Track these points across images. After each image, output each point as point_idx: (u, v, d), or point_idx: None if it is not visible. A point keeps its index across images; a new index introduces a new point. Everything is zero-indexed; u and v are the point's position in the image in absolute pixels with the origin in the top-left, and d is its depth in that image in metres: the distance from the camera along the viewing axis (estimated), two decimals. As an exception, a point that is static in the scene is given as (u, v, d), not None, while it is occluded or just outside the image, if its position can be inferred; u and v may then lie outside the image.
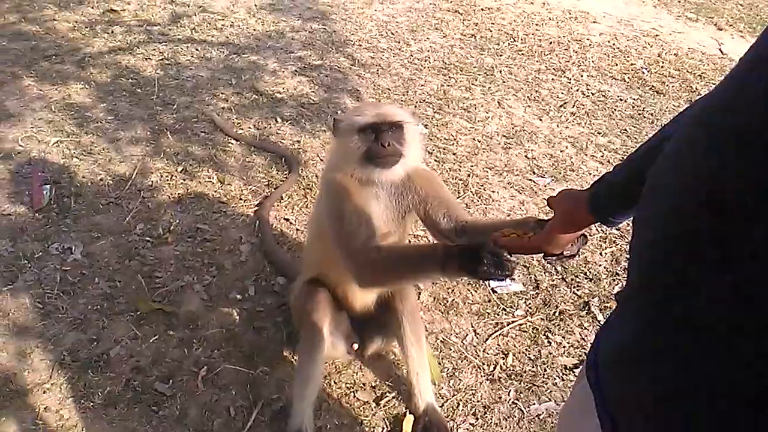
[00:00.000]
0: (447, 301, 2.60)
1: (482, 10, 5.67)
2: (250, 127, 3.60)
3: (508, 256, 1.35)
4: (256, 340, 2.35)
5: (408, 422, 2.09)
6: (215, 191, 3.08)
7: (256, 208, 2.98)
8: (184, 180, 3.12)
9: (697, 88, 4.54)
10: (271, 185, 3.14)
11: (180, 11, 4.99)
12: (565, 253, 1.41)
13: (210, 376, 2.19)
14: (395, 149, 1.72)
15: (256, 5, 5.30)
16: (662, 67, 4.85)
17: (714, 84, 4.64)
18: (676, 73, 4.77)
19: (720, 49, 5.35)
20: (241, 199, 3.04)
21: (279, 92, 3.99)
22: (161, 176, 3.14)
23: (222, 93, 3.90)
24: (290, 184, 3.14)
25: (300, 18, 5.15)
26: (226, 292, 2.53)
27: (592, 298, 2.66)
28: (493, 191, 3.32)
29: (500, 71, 4.55)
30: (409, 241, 2.47)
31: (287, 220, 2.96)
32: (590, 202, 1.26)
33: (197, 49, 4.37)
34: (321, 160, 3.40)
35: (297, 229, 2.91)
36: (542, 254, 1.44)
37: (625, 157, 1.25)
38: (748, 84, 0.68)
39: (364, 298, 2.10)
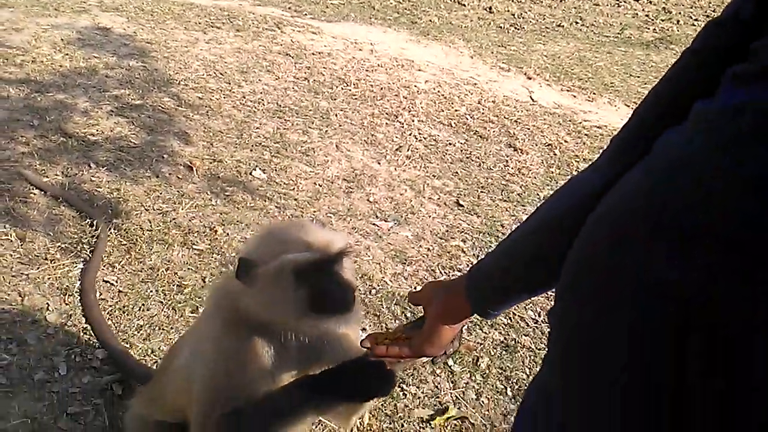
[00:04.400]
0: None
1: (313, 54, 5.67)
2: (56, 175, 3.14)
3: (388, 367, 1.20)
4: (70, 429, 1.95)
5: None
6: (14, 250, 2.59)
7: (79, 290, 2.47)
8: (-28, 239, 2.60)
9: (514, 133, 4.91)
10: (83, 242, 2.73)
11: (-33, 41, 4.31)
12: (448, 351, 1.27)
13: (9, 483, 1.77)
14: (351, 284, 1.33)
15: (62, 40, 4.76)
16: (482, 113, 5.19)
17: (530, 129, 5.08)
18: (495, 118, 5.13)
19: (531, 96, 5.88)
20: (47, 258, 2.59)
21: (92, 134, 3.56)
22: (-60, 235, 2.58)
23: (22, 136, 3.38)
24: (99, 255, 2.65)
25: (115, 54, 4.72)
26: (31, 374, 2.09)
27: (442, 341, 2.64)
28: (336, 237, 3.22)
29: (336, 114, 4.54)
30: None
31: (108, 282, 2.57)
32: (470, 296, 1.11)
33: (-11, 85, 3.77)
34: (146, 209, 3.05)
35: (120, 291, 2.54)
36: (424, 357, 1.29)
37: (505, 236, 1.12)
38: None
39: None
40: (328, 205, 3.46)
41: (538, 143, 4.86)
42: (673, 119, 0.71)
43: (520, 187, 4.17)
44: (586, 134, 5.16)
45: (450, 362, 2.54)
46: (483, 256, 1.13)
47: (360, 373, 1.23)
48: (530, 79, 6.31)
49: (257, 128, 4.09)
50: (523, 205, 3.93)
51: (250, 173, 3.57)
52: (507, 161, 4.47)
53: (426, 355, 1.25)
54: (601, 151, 1.01)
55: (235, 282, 1.31)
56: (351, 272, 1.39)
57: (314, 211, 3.36)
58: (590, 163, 1.02)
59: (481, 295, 1.10)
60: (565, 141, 4.98)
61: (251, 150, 3.82)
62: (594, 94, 6.15)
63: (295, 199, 3.43)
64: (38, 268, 2.53)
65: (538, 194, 4.10)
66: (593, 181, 0.92)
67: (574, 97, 6.12)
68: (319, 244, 1.30)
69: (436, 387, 2.43)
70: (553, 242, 0.92)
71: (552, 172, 4.45)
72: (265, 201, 3.35)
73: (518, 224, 3.96)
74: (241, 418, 1.29)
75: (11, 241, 2.64)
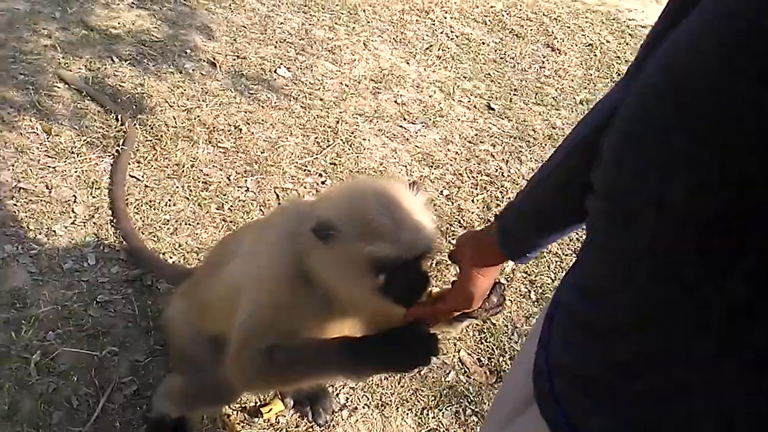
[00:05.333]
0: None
1: (342, -55, 5.35)
2: (80, 68, 3.09)
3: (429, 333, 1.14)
4: (100, 316, 2.02)
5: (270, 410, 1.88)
6: (40, 143, 2.60)
7: (108, 189, 2.45)
8: (1, 131, 2.60)
9: (553, 32, 4.64)
10: (109, 136, 2.72)
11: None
12: (486, 305, 1.20)
13: (45, 362, 1.86)
14: (427, 281, 1.24)
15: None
16: (520, 9, 4.90)
17: (570, 28, 4.79)
18: (533, 15, 4.84)
19: (572, -5, 5.51)
20: (72, 152, 2.60)
21: (114, 27, 3.46)
22: (-32, 127, 2.59)
23: (44, 28, 3.30)
24: (127, 156, 2.61)
25: (137, -57, 4.51)
26: (60, 263, 2.15)
27: (466, 244, 2.61)
28: (365, 139, 3.15)
29: (364, 10, 4.32)
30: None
31: (134, 177, 2.58)
32: (500, 239, 1.05)
33: (9, -25, 3.66)
34: (171, 105, 3.01)
35: (146, 186, 2.55)
36: (463, 314, 1.23)
37: (533, 175, 1.02)
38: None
39: None
40: (354, 106, 3.36)
41: (578, 43, 4.60)
42: None
43: (556, 90, 3.98)
44: (630, 34, 4.85)
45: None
46: (514, 195, 1.07)
47: (398, 342, 1.16)
48: (574, -27, 5.89)
49: (281, 23, 3.93)
50: (557, 110, 3.77)
51: (275, 71, 3.47)
52: (543, 62, 4.25)
53: (462, 309, 1.19)
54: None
55: (308, 232, 1.21)
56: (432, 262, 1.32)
57: (340, 112, 3.27)
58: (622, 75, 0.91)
59: (512, 236, 1.05)
60: (607, 41, 4.70)
61: (275, 46, 3.69)
62: (642, -9, 5.73)
63: (321, 99, 3.34)
64: (65, 161, 2.54)
65: (574, 98, 3.92)
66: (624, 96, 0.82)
67: (621, -6, 5.71)
68: (408, 240, 1.17)
69: (458, 288, 2.43)
70: (586, 166, 0.81)
71: (591, 75, 4.23)
72: (290, 100, 3.27)
73: (552, 129, 3.82)
74: (274, 361, 1.26)
75: (37, 134, 2.64)
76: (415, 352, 1.16)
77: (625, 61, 4.42)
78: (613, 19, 5.08)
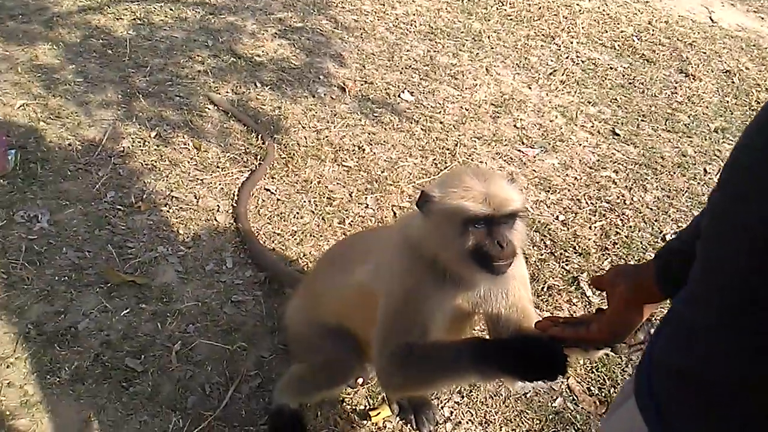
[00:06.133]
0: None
1: (470, -27, 5.48)
2: (227, 92, 3.44)
3: (562, 351, 1.17)
4: (233, 314, 2.24)
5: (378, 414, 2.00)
6: (191, 158, 2.93)
7: (234, 207, 2.68)
8: (158, 146, 2.97)
9: (687, 57, 4.45)
10: (250, 153, 3.00)
11: (154, -32, 4.74)
12: (631, 341, 1.18)
13: (184, 352, 2.10)
14: (513, 248, 1.30)
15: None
16: (652, 34, 4.74)
17: (705, 54, 4.56)
18: (666, 41, 4.66)
19: (710, 17, 5.24)
20: (218, 166, 2.90)
21: (258, 55, 3.82)
22: (133, 141, 2.98)
23: (198, 55, 3.72)
24: (263, 172, 2.87)
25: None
26: (202, 264, 2.41)
27: (581, 273, 2.58)
28: (481, 161, 3.22)
29: (488, 37, 4.40)
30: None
31: (268, 191, 2.83)
32: (660, 277, 1.02)
33: (171, 9, 4.16)
34: (303, 127, 3.26)
35: (278, 200, 2.78)
36: (605, 346, 1.22)
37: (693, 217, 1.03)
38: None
39: None
40: (473, 130, 3.44)
41: (714, 69, 4.37)
42: None
43: (688, 116, 3.82)
44: (774, 60, 4.53)
45: (585, 288, 2.49)
46: (672, 237, 1.06)
47: (529, 353, 1.20)
48: (714, -4, 5.60)
49: (408, 51, 4.11)
50: (689, 137, 3.61)
51: (399, 95, 3.64)
52: (675, 88, 4.09)
53: (606, 341, 1.17)
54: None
55: (417, 214, 1.39)
56: (521, 234, 1.38)
57: (459, 135, 3.36)
58: None
59: (672, 276, 0.99)
60: (747, 68, 4.43)
61: (401, 72, 3.87)
62: (791, 13, 5.33)
63: (441, 122, 3.45)
64: (211, 174, 2.85)
65: (708, 125, 3.74)
66: None
67: (762, 19, 5.36)
68: (496, 200, 1.29)
69: (571, 315, 2.41)
70: None
71: (727, 102, 4.01)
72: (411, 123, 3.41)
73: (683, 157, 3.68)
74: (411, 357, 1.36)
75: (189, 149, 2.98)
76: (544, 364, 1.19)
77: (765, 89, 4.14)
78: (753, 45, 4.77)
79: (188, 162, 2.90)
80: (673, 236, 1.07)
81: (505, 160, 3.25)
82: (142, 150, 2.94)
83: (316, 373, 1.78)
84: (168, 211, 2.62)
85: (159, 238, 2.50)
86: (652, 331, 1.15)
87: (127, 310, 2.21)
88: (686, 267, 0.96)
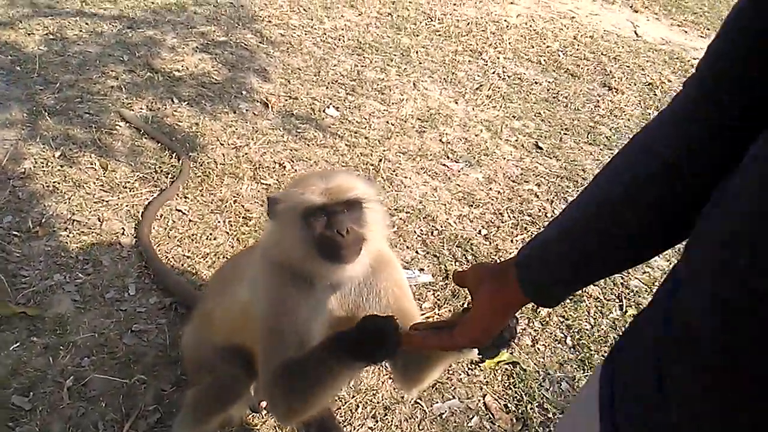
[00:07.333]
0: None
1: (401, -11, 5.49)
2: (141, 108, 3.30)
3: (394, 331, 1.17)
4: (134, 345, 2.10)
5: None
6: (97, 178, 2.78)
7: (135, 229, 2.55)
8: (62, 166, 2.80)
9: (611, 71, 4.55)
10: (162, 172, 2.87)
11: (71, -19, 4.55)
12: (498, 343, 1.14)
13: (77, 387, 1.95)
14: (356, 236, 1.32)
15: (158, -23, 4.91)
16: (577, 49, 4.84)
17: (629, 68, 4.68)
18: (590, 55, 4.77)
19: (635, 32, 5.40)
20: (126, 187, 2.75)
21: (177, 70, 3.69)
22: (36, 162, 2.81)
23: (112, 71, 3.56)
24: (174, 191, 2.75)
25: (206, -8, 4.81)
26: (102, 292, 2.26)
27: (502, 286, 2.55)
28: (406, 177, 3.18)
29: (417, 52, 4.40)
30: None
31: (180, 211, 2.70)
32: (521, 278, 0.95)
33: (87, 23, 3.98)
34: (221, 144, 3.15)
35: (190, 220, 2.66)
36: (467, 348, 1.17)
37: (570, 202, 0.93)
38: None
39: None
40: (398, 144, 3.40)
41: (637, 82, 4.49)
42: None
43: (610, 129, 3.89)
44: (693, 73, 4.69)
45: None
46: (532, 237, 0.97)
47: (360, 335, 1.19)
48: (637, 12, 5.80)
49: (335, 66, 4.06)
50: (610, 149, 3.67)
51: (324, 111, 3.57)
52: (598, 101, 4.17)
53: (471, 347, 1.12)
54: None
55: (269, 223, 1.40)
56: (372, 224, 1.36)
57: (384, 150, 3.32)
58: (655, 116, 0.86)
59: (539, 277, 0.94)
60: (669, 80, 4.56)
61: (327, 87, 3.81)
62: (708, 29, 5.56)
63: (366, 138, 3.40)
64: (118, 195, 2.70)
65: (629, 137, 3.78)
66: (660, 147, 0.80)
67: (685, 32, 5.57)
68: (333, 189, 1.32)
69: (490, 331, 2.37)
70: (627, 219, 0.82)
71: (649, 114, 4.10)
72: (335, 139, 3.35)
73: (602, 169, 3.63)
74: (290, 375, 1.33)
75: (95, 169, 2.82)
76: (375, 344, 1.19)
77: (686, 99, 4.27)
78: (677, 58, 4.93)
79: (93, 183, 2.75)
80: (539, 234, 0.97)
81: (429, 175, 3.22)
82: (44, 171, 2.77)
83: (208, 395, 1.68)
84: (68, 236, 2.46)
85: (56, 265, 2.34)
86: (518, 327, 1.09)
87: (17, 344, 2.04)
88: (553, 275, 0.91)
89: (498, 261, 2.69)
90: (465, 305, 2.41)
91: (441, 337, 1.12)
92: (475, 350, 1.18)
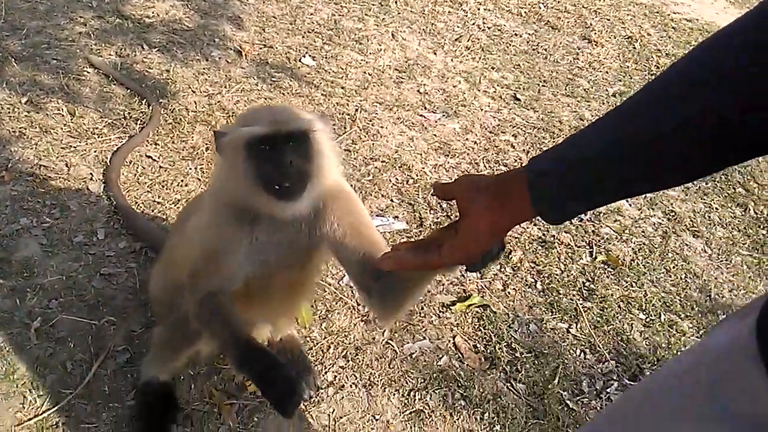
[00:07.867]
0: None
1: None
2: (110, 55, 3.21)
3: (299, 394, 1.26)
4: (103, 288, 2.09)
5: None
6: (64, 124, 2.71)
7: (103, 174, 2.51)
8: (29, 112, 2.73)
9: (591, 24, 4.51)
10: (131, 118, 2.81)
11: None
12: (486, 258, 1.02)
13: (45, 328, 1.94)
14: (301, 169, 1.28)
15: None
16: (558, 2, 4.78)
17: (609, 20, 4.64)
18: (572, 8, 4.71)
19: (617, -13, 5.33)
20: (94, 133, 2.70)
21: (148, 17, 3.58)
22: (2, 108, 2.73)
23: (81, 17, 3.45)
24: (143, 137, 2.69)
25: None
26: (70, 236, 2.23)
27: (475, 233, 2.56)
28: (382, 126, 3.15)
29: (396, 1, 4.31)
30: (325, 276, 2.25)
31: (150, 157, 2.66)
32: (534, 191, 0.85)
33: (54, -33, 3.84)
34: (193, 91, 3.09)
35: (161, 167, 2.62)
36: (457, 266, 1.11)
37: (596, 119, 0.84)
38: None
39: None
40: (375, 95, 3.36)
41: (616, 35, 4.45)
42: None
43: (588, 81, 3.87)
44: (673, 27, 4.66)
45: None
46: (550, 147, 0.87)
47: (272, 381, 1.27)
48: (620, -35, 5.70)
49: (312, 14, 3.97)
50: (588, 101, 3.66)
51: (300, 60, 3.51)
52: (578, 54, 4.14)
53: (460, 264, 1.03)
54: (687, 46, 0.78)
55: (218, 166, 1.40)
56: (321, 157, 1.33)
57: (360, 100, 3.28)
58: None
59: (551, 194, 0.85)
60: (648, 34, 4.53)
61: (303, 36, 3.73)
62: (691, -17, 5.50)
63: (342, 87, 3.35)
64: (86, 141, 2.65)
65: (606, 90, 3.80)
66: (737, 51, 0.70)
67: (667, -14, 5.49)
68: (278, 120, 1.28)
69: (462, 275, 2.39)
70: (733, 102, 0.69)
71: (627, 67, 4.09)
72: (311, 88, 3.30)
73: (580, 121, 3.64)
74: (202, 304, 1.42)
75: (63, 115, 2.76)
76: (279, 398, 1.26)
77: (666, 54, 4.25)
78: (657, 12, 4.89)
79: (61, 129, 2.69)
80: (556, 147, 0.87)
81: (406, 125, 3.19)
82: (10, 116, 2.70)
83: (174, 331, 1.68)
84: (35, 181, 2.41)
85: (23, 209, 2.30)
86: (505, 239, 1.02)
87: (-17, 288, 2.02)
88: (585, 181, 0.82)
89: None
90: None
91: (427, 256, 1.03)
92: (462, 266, 1.09)
